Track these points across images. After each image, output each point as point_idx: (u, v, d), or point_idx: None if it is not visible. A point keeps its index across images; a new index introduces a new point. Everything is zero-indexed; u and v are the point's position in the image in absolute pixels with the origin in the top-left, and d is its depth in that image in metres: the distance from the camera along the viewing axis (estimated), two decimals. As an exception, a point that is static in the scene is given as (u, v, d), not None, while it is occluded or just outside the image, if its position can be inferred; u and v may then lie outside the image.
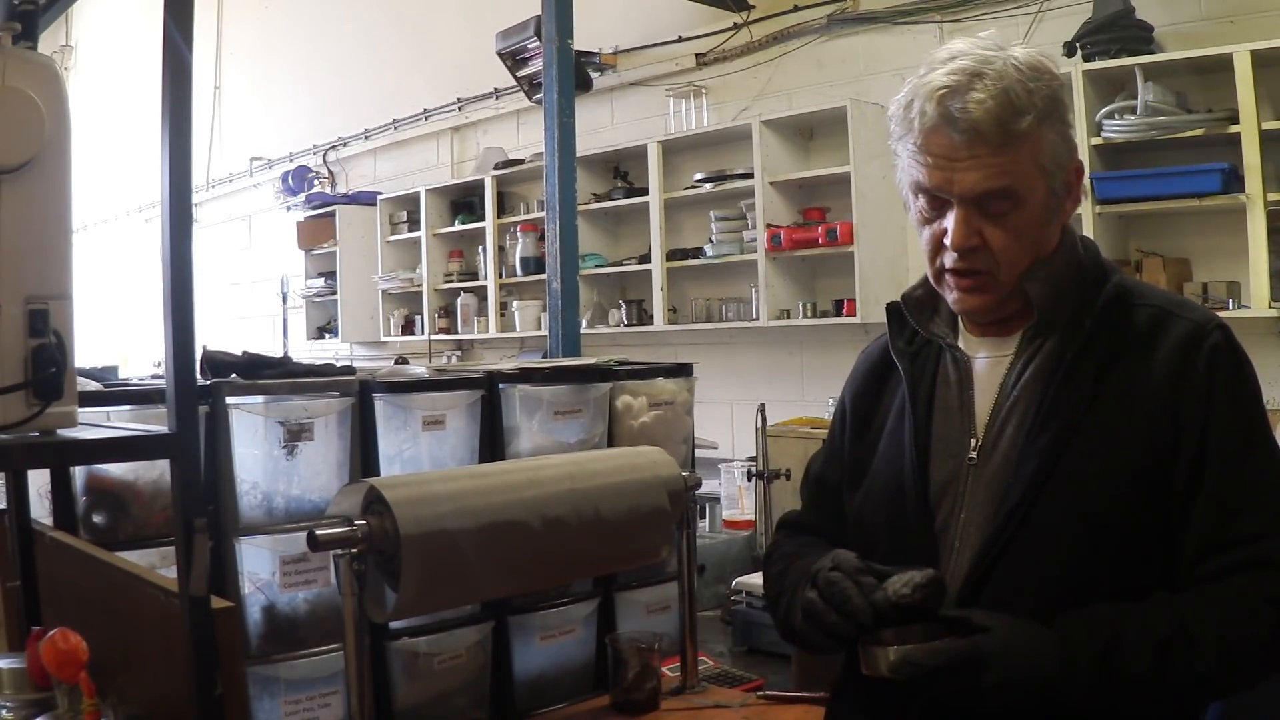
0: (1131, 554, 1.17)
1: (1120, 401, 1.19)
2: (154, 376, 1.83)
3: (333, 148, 6.98)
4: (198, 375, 1.17)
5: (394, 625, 1.55)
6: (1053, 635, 1.12)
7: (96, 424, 1.21)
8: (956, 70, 1.19)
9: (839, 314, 4.18)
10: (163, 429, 1.10)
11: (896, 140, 1.26)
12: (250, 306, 7.63)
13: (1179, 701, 1.15)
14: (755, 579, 2.44)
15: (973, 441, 1.26)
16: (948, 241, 1.22)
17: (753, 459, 3.27)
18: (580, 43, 3.85)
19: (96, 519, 1.45)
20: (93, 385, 1.49)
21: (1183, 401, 1.17)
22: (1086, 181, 3.39)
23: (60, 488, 1.44)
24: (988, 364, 1.30)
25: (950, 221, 1.21)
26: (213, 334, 5.33)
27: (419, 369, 1.78)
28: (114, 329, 7.78)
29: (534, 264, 5.25)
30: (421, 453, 1.64)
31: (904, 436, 1.30)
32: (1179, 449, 1.16)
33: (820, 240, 4.14)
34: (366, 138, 6.70)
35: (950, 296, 1.28)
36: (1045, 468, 1.18)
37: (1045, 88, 1.20)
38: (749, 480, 3.30)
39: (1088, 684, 1.10)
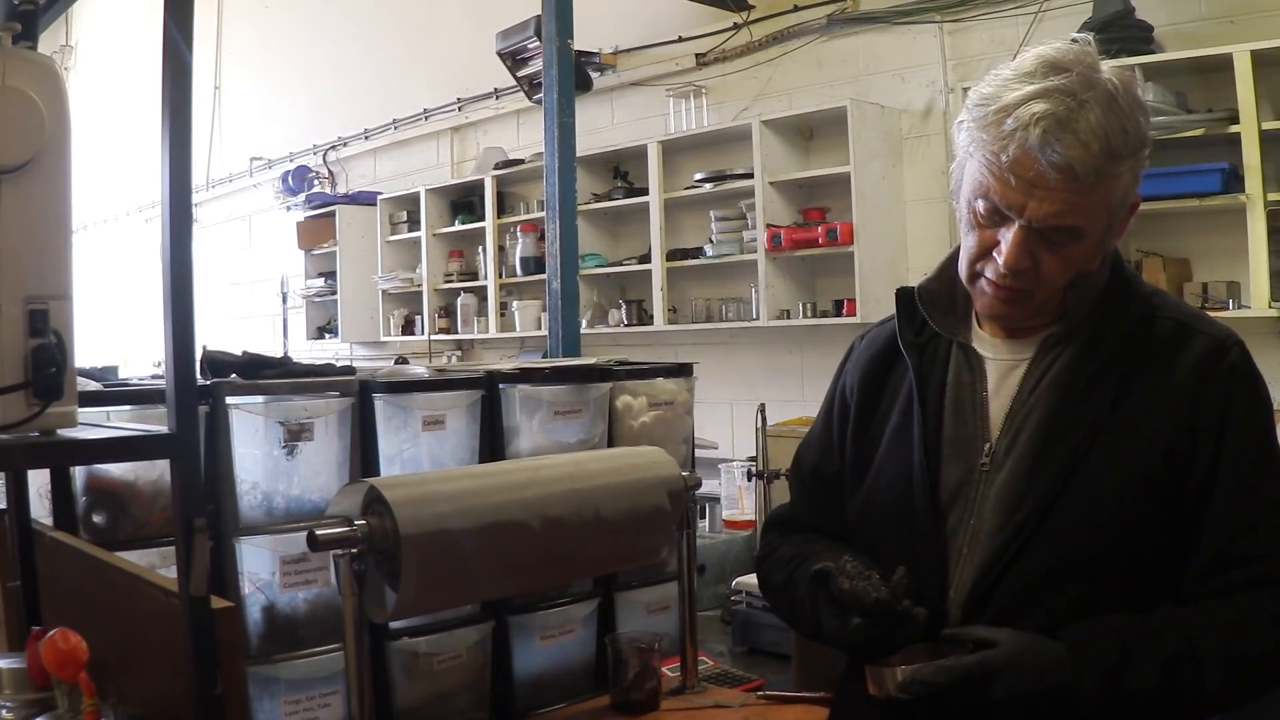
0: (1140, 567, 1.17)
1: (1137, 416, 1.18)
2: (154, 376, 1.83)
3: (333, 148, 6.98)
4: (198, 375, 1.17)
5: (394, 625, 1.55)
6: (1060, 648, 1.12)
7: (96, 424, 1.21)
8: (1060, 92, 1.12)
9: (839, 314, 4.18)
10: (163, 429, 1.10)
11: (971, 138, 1.19)
12: (250, 306, 7.63)
13: (1182, 715, 1.15)
14: (755, 579, 2.44)
15: (986, 446, 1.24)
16: (998, 256, 1.19)
17: (753, 459, 3.27)
18: (580, 43, 3.85)
19: (96, 519, 1.45)
20: (93, 385, 1.49)
21: (1199, 418, 1.17)
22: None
23: (60, 488, 1.44)
24: (1003, 367, 1.28)
25: (1006, 238, 1.18)
26: (213, 334, 5.33)
27: (419, 369, 1.78)
28: (114, 329, 7.78)
29: (534, 264, 5.25)
30: (421, 453, 1.64)
31: (912, 435, 1.28)
32: (1192, 465, 1.16)
33: (820, 240, 4.14)
34: (366, 138, 6.70)
35: (980, 301, 1.25)
36: (1060, 480, 1.17)
37: (1140, 126, 1.16)
38: (749, 480, 3.30)
39: (1095, 698, 1.10)
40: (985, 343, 1.30)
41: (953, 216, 1.31)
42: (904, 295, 1.35)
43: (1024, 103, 1.13)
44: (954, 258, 1.31)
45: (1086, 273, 1.23)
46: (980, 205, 1.20)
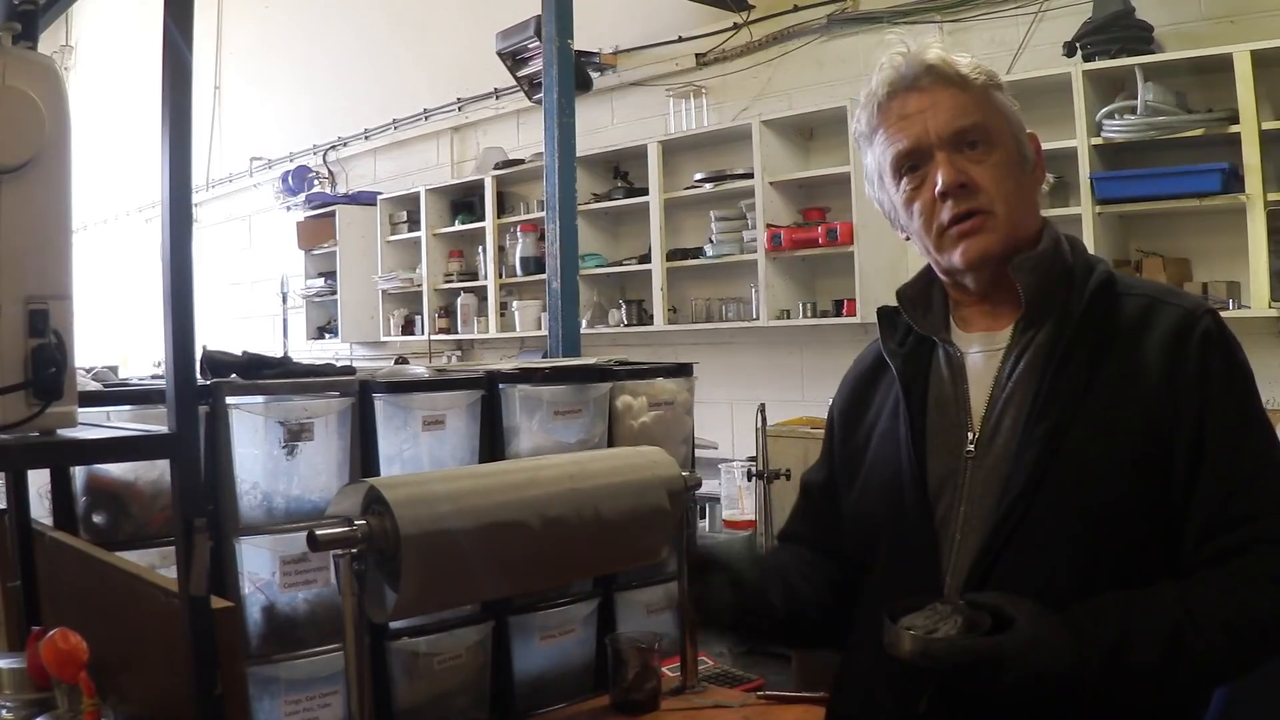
0: (1134, 541, 1.17)
1: (1115, 389, 1.19)
2: (154, 376, 1.83)
3: (333, 148, 6.98)
4: (198, 375, 1.17)
5: (394, 625, 1.55)
6: (1066, 631, 1.11)
7: (96, 424, 1.21)
8: (898, 49, 1.29)
9: (839, 314, 4.18)
10: (163, 429, 1.10)
11: (866, 136, 1.32)
12: (250, 306, 7.63)
13: (1189, 688, 1.15)
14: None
15: (969, 435, 1.26)
16: (938, 187, 1.24)
17: (753, 459, 3.28)
18: (580, 43, 3.85)
19: (96, 519, 1.45)
20: (93, 385, 1.49)
21: (1178, 388, 1.18)
22: (1086, 181, 3.41)
23: (60, 488, 1.44)
24: (980, 358, 1.30)
25: (936, 174, 1.25)
26: (213, 334, 5.33)
27: (419, 369, 1.78)
28: (114, 329, 7.78)
29: (534, 264, 5.25)
30: (421, 453, 1.64)
31: (899, 433, 1.31)
32: (1176, 435, 1.17)
33: (820, 240, 4.15)
34: (366, 138, 6.70)
35: (955, 253, 1.27)
36: (1046, 455, 1.18)
37: (981, 64, 1.29)
38: (749, 480, 3.31)
39: (1098, 679, 1.10)
40: (962, 338, 1.34)
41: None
42: (885, 311, 1.41)
43: (877, 67, 1.29)
44: (929, 267, 1.37)
45: (1029, 247, 1.27)
46: (905, 177, 1.28)
